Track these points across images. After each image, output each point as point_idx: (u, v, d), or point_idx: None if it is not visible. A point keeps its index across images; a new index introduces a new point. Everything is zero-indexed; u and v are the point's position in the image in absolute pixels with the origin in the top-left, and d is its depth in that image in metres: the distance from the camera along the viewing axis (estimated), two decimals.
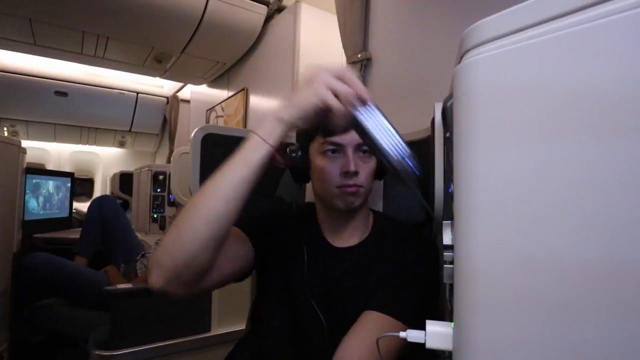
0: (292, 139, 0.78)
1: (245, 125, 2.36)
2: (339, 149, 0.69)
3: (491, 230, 0.29)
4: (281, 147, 0.58)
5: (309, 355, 0.70)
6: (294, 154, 0.73)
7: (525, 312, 0.28)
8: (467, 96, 0.31)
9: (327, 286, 0.71)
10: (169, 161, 3.57)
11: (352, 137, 0.68)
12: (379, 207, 0.87)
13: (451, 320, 0.37)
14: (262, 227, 0.74)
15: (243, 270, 0.70)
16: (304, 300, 0.71)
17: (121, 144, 5.04)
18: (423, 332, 0.38)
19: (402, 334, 0.42)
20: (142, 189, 2.75)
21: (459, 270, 0.32)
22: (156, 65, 2.71)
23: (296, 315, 0.72)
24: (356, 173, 0.68)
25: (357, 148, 0.69)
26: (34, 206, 2.19)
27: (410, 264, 0.69)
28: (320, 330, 0.69)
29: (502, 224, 0.29)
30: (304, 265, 0.72)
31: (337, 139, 0.69)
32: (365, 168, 0.69)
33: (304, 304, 0.71)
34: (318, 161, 0.72)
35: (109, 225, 2.04)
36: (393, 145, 0.50)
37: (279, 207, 0.82)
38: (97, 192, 5.01)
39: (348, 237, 0.75)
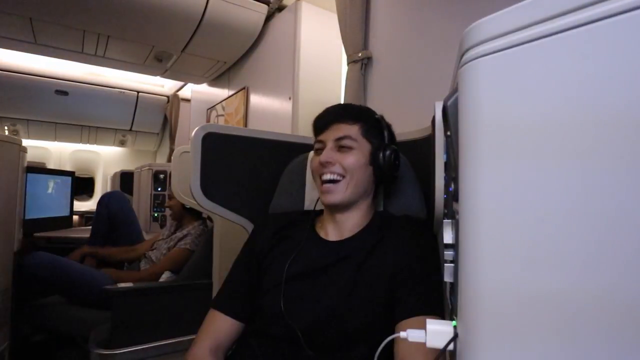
0: None
1: (245, 124, 2.35)
2: (322, 145, 0.75)
3: (495, 230, 0.29)
4: None
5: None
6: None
7: (527, 313, 0.28)
8: (468, 95, 0.31)
9: (315, 272, 0.71)
10: (169, 160, 3.57)
11: (330, 133, 0.74)
12: (379, 207, 0.87)
13: (451, 319, 0.37)
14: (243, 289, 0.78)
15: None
16: (291, 282, 0.71)
17: (122, 143, 5.04)
18: (423, 331, 0.38)
19: (402, 334, 0.41)
20: (143, 188, 2.75)
21: (462, 270, 0.32)
22: (157, 64, 2.70)
23: (284, 299, 0.71)
24: (329, 163, 0.72)
25: (335, 142, 0.74)
26: (35, 205, 2.19)
27: (421, 260, 0.69)
28: (304, 322, 0.68)
29: (506, 224, 0.29)
30: (295, 256, 0.74)
31: (319, 136, 0.76)
32: (342, 159, 0.73)
33: (291, 286, 0.71)
34: (312, 157, 0.80)
35: (114, 222, 2.04)
36: None
37: (254, 236, 0.83)
38: (98, 191, 5.02)
39: (341, 232, 0.76)
